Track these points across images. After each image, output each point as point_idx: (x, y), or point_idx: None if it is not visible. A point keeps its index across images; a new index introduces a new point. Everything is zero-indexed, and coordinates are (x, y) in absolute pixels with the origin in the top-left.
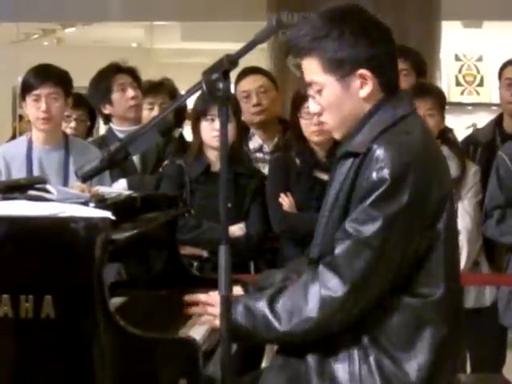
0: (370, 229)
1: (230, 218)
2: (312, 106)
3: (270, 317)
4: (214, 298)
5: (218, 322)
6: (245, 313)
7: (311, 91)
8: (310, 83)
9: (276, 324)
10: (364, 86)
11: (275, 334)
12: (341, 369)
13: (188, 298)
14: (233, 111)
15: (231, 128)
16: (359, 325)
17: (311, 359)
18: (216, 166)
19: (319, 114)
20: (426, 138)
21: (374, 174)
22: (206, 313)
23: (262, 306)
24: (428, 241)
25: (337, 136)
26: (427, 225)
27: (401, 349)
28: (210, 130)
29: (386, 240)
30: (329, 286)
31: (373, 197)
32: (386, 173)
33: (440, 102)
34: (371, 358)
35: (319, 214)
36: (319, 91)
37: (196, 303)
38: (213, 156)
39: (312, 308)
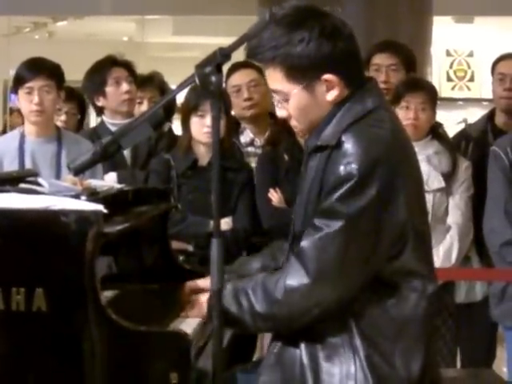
0: (334, 224)
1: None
2: (279, 111)
3: (253, 301)
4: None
5: None
6: (232, 298)
7: (277, 98)
8: (274, 91)
9: (257, 309)
10: (330, 90)
11: (259, 320)
12: (334, 369)
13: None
14: (223, 106)
15: (221, 123)
16: (350, 322)
17: (305, 359)
18: (204, 160)
19: (288, 119)
20: (396, 131)
21: (342, 169)
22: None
23: (247, 291)
24: (398, 238)
25: (308, 137)
26: (398, 220)
27: (390, 344)
28: (201, 126)
29: (350, 235)
30: (294, 276)
31: (340, 192)
32: (353, 168)
33: (432, 96)
34: (363, 357)
35: (294, 209)
36: (285, 100)
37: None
38: (201, 151)
39: (278, 297)
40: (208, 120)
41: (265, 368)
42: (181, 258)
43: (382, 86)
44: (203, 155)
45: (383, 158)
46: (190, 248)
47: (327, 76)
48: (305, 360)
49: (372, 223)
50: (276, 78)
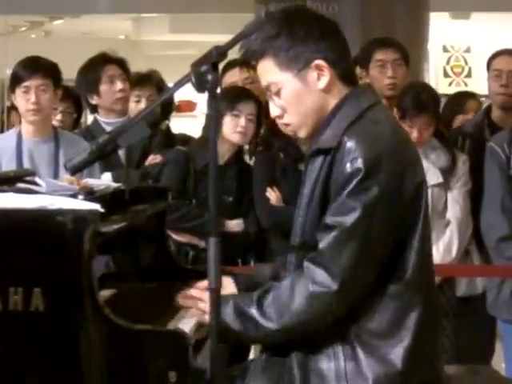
0: (350, 219)
1: (231, 212)
2: (272, 109)
3: (259, 318)
4: (204, 293)
5: (207, 318)
6: (234, 315)
7: (270, 94)
8: (267, 86)
9: (265, 324)
10: (321, 78)
11: (264, 334)
12: (326, 366)
13: (181, 295)
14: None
15: (254, 124)
16: (344, 319)
17: (295, 358)
18: (222, 159)
19: (281, 117)
20: (395, 126)
21: (348, 166)
22: (196, 307)
23: (250, 307)
24: (406, 228)
25: (302, 134)
26: (405, 212)
27: (385, 338)
28: (235, 125)
29: (368, 227)
30: (318, 281)
31: (349, 188)
32: (359, 163)
33: (436, 116)
34: (358, 354)
35: (295, 213)
36: (278, 92)
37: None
38: (223, 149)
39: (300, 303)
40: (242, 120)
41: (252, 376)
42: (191, 252)
43: (389, 81)
44: (223, 154)
45: (386, 151)
46: (202, 244)
47: (318, 61)
48: (294, 360)
49: (384, 215)
50: (268, 70)
